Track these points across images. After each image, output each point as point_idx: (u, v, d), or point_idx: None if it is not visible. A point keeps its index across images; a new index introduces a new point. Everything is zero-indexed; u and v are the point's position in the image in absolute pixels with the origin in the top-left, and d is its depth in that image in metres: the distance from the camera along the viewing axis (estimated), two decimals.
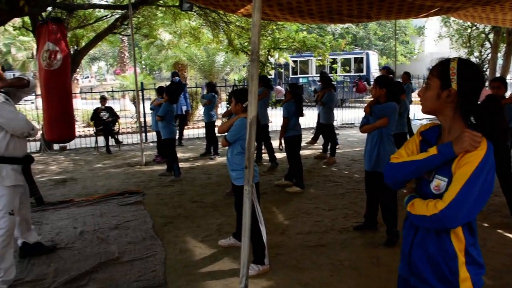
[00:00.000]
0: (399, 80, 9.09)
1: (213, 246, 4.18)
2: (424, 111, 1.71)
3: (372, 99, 4.26)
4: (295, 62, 21.82)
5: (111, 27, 10.40)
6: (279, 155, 7.78)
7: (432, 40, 24.27)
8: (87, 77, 46.87)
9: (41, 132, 8.82)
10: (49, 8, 8.95)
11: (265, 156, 7.99)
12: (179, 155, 7.58)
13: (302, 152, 6.86)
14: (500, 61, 16.34)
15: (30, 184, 3.57)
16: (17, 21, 12.78)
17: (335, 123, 8.63)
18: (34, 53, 20.99)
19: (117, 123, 10.59)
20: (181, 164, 7.44)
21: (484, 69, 16.18)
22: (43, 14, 7.64)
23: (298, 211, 5.20)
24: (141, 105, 10.43)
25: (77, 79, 23.07)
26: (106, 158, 9.31)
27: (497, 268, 3.51)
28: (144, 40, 19.59)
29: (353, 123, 13.33)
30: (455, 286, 1.57)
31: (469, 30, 16.99)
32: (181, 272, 3.64)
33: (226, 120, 5.59)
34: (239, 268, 2.88)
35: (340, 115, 13.25)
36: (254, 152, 2.89)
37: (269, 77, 11.04)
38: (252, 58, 2.66)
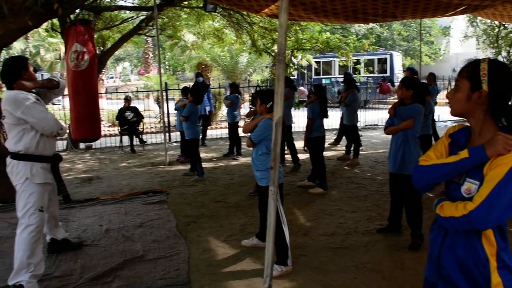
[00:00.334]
0: (424, 81, 8.95)
1: (236, 246, 4.20)
2: (453, 113, 1.68)
3: (396, 100, 4.21)
4: (317, 63, 21.70)
5: (137, 28, 10.56)
6: (301, 156, 7.75)
7: (458, 41, 23.79)
8: (112, 77, 47.81)
9: (68, 131, 9.02)
10: (77, 10, 9.14)
11: (288, 157, 7.99)
12: (202, 155, 7.64)
13: (325, 153, 6.82)
14: None
15: (58, 182, 3.65)
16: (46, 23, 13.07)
17: (358, 124, 8.56)
18: (62, 54, 21.53)
19: (141, 123, 10.75)
20: (204, 164, 7.51)
21: None
22: (71, 16, 7.82)
23: (321, 213, 5.18)
24: (165, 105, 10.54)
25: (102, 79, 23.53)
26: (131, 157, 9.46)
27: None
28: (168, 41, 19.80)
29: (376, 125, 13.18)
30: None
31: (496, 30, 16.57)
32: (204, 271, 3.67)
33: (249, 120, 5.61)
34: (262, 269, 2.89)
35: (363, 117, 13.12)
36: None
37: (292, 78, 11.02)
38: (278, 59, 2.65)
